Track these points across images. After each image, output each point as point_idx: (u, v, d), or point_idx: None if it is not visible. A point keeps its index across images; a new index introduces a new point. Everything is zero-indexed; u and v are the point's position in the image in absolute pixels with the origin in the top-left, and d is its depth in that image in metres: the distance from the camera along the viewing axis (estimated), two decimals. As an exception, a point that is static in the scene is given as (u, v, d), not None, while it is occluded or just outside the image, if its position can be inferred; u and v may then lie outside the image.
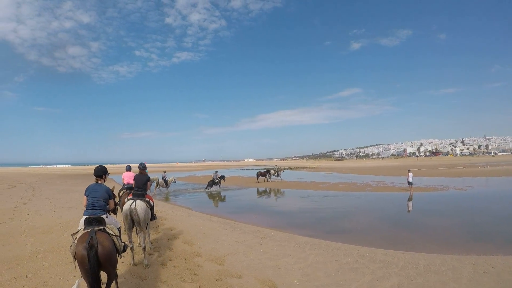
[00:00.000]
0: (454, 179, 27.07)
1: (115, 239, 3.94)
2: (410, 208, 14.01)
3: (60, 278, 5.02)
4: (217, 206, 16.28)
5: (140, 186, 6.19)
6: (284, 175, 30.94)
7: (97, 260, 3.45)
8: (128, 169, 9.51)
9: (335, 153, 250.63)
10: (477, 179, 27.29)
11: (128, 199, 6.02)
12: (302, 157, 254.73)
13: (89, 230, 3.69)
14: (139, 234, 6.18)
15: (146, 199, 6.14)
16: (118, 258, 4.02)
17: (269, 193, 21.38)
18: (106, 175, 4.51)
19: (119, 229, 4.32)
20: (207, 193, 21.28)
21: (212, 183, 22.25)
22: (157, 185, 20.98)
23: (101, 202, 4.07)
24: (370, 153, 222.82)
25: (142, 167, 6.56)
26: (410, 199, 15.86)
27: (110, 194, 4.26)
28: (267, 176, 27.77)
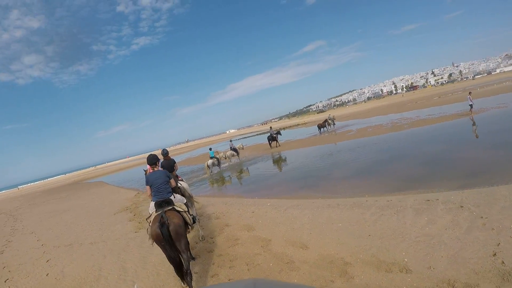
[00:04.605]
0: (474, 101, 25.60)
1: (184, 214, 4.24)
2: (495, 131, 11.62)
3: None
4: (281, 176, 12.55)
5: (170, 171, 6.21)
6: (293, 134, 35.18)
7: (169, 235, 3.75)
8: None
9: (312, 107, 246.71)
10: (496, 97, 25.94)
11: None
12: (280, 118, 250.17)
13: (160, 211, 3.98)
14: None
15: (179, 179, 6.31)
16: (189, 230, 4.53)
17: (318, 151, 17.14)
18: (159, 162, 4.62)
19: (186, 204, 4.65)
20: (271, 154, 20.68)
21: (271, 138, 23.47)
22: (225, 158, 19.60)
23: (164, 186, 4.26)
24: (346, 100, 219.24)
25: (165, 153, 6.50)
26: (473, 124, 14.37)
27: (169, 175, 4.41)
28: (326, 126, 30.06)
